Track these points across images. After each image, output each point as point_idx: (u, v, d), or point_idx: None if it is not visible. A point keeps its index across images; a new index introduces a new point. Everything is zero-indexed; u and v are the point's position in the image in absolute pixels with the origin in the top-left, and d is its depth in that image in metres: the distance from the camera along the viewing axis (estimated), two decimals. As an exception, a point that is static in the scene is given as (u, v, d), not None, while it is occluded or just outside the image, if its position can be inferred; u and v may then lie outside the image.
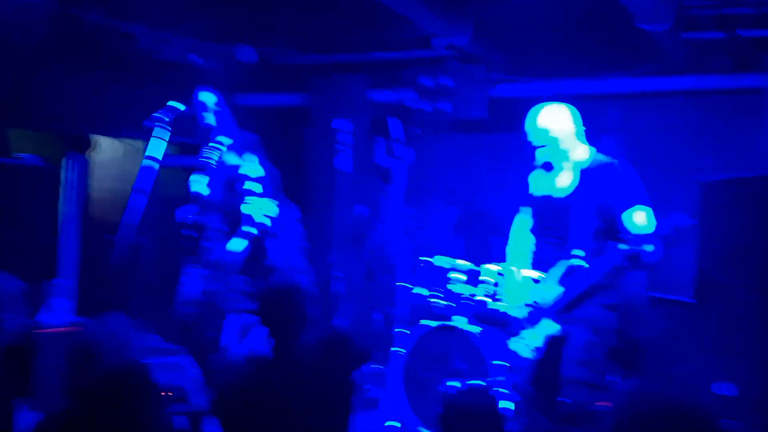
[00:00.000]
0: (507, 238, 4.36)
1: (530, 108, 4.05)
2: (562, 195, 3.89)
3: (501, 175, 6.49)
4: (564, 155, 3.88)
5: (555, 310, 3.85)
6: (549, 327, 3.86)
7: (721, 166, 5.54)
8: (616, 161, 3.89)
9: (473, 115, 6.71)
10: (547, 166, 3.91)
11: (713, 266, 4.10)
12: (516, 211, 4.26)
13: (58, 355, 4.53)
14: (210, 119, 5.10)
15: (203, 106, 5.10)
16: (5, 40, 5.99)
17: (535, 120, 3.91)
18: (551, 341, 3.82)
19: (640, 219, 3.66)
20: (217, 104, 5.12)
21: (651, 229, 3.60)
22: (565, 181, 3.90)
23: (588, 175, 3.86)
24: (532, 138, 3.91)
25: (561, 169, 3.90)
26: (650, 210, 3.75)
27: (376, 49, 7.13)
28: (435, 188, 7.07)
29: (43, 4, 6.09)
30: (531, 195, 4.08)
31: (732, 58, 6.10)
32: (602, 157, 3.90)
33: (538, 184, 4.02)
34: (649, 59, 6.30)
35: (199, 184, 5.00)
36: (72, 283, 6.67)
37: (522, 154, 4.10)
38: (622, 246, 3.58)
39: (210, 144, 5.08)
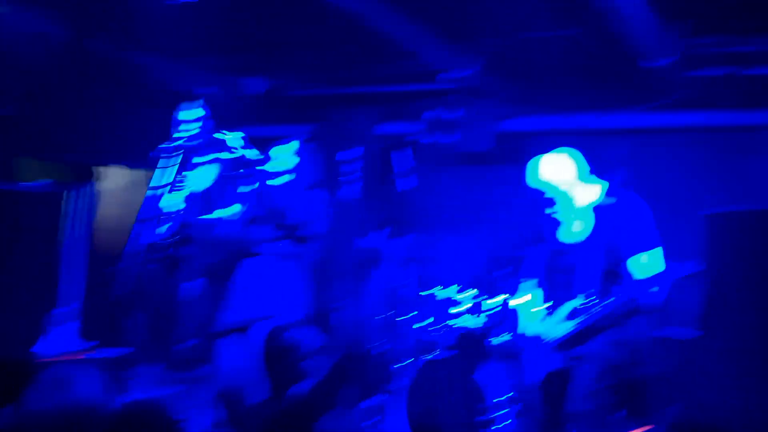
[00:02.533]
0: (514, 270, 4.37)
1: (536, 142, 4.08)
2: (573, 241, 3.91)
3: (507, 208, 6.49)
4: (570, 201, 3.90)
5: (555, 346, 3.86)
6: (550, 362, 3.86)
7: (728, 201, 5.54)
8: (626, 199, 3.89)
9: (480, 148, 6.73)
10: (557, 215, 3.94)
11: (719, 300, 4.08)
12: (526, 244, 4.27)
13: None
14: (191, 141, 5.07)
15: (185, 122, 5.07)
16: (15, 70, 6.06)
17: (536, 172, 3.93)
18: (553, 375, 3.82)
19: (646, 262, 3.69)
20: (200, 119, 5.09)
21: (658, 270, 3.61)
22: (576, 227, 3.91)
23: (597, 216, 3.87)
24: (537, 189, 3.93)
25: (570, 216, 3.91)
26: (660, 250, 3.74)
27: (384, 82, 7.19)
28: (440, 219, 7.07)
29: (53, 34, 6.17)
30: (545, 237, 4.09)
31: (737, 95, 6.13)
32: (612, 197, 3.92)
33: (552, 229, 4.03)
34: (656, 95, 6.34)
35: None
36: (74, 312, 6.67)
37: (527, 188, 4.12)
38: (626, 289, 3.60)
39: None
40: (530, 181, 3.95)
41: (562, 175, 3.90)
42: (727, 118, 6.19)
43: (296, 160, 4.71)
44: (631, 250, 3.74)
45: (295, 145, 4.74)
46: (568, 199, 3.89)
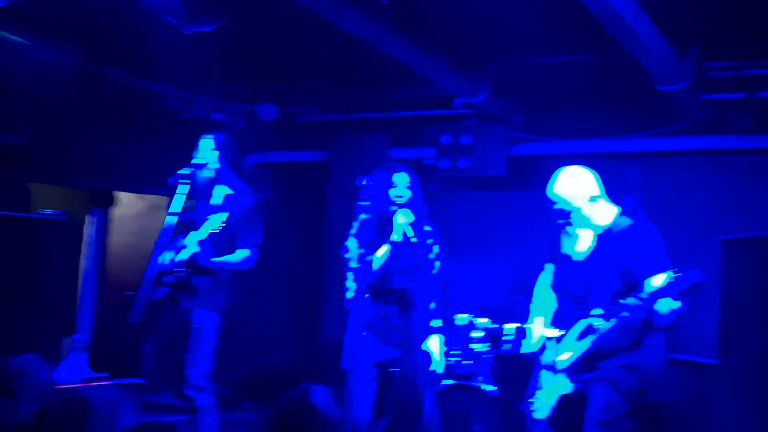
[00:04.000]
0: (528, 295, 4.34)
1: (549, 166, 4.07)
2: (581, 258, 3.89)
3: (519, 233, 6.47)
4: (583, 218, 3.89)
5: (569, 369, 3.82)
6: (563, 385, 3.82)
7: (742, 225, 5.50)
8: (639, 224, 3.88)
9: (492, 173, 6.73)
10: (568, 230, 3.92)
11: (736, 326, 4.02)
12: (539, 269, 4.25)
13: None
14: (209, 170, 5.04)
15: (203, 154, 5.04)
16: (33, 97, 6.12)
17: (554, 185, 3.93)
18: (567, 399, 3.77)
19: (658, 282, 3.64)
20: (218, 149, 5.05)
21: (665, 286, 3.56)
22: (583, 244, 3.90)
23: (611, 237, 3.85)
24: (552, 202, 3.93)
25: (580, 232, 3.90)
26: (671, 273, 3.71)
27: (397, 108, 7.21)
28: (453, 245, 7.04)
29: (72, 62, 6.24)
30: (556, 254, 4.07)
31: (751, 118, 6.11)
32: (626, 220, 3.90)
33: (563, 245, 4.02)
34: (669, 119, 6.32)
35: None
36: (88, 338, 6.68)
37: (540, 212, 4.11)
38: (634, 302, 3.54)
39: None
40: (548, 193, 3.94)
41: (579, 188, 3.89)
42: (741, 142, 6.16)
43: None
44: (642, 273, 3.70)
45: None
46: (581, 213, 3.87)
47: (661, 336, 3.85)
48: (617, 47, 5.19)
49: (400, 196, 4.48)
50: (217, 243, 4.86)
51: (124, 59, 6.47)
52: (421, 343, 4.44)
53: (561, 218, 3.90)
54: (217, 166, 4.99)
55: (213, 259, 4.85)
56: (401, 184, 4.52)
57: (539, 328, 4.07)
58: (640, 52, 5.19)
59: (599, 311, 3.73)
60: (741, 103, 6.04)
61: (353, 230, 4.59)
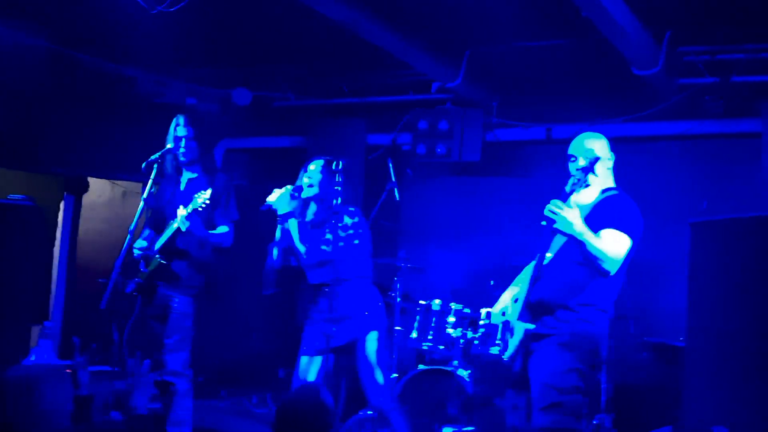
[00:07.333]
0: (502, 280, 4.32)
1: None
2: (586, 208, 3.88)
3: (495, 219, 6.46)
4: (594, 177, 3.89)
5: (522, 313, 3.83)
6: (521, 329, 3.80)
7: (715, 210, 5.51)
8: (618, 195, 3.90)
9: (468, 158, 6.71)
10: (580, 183, 3.91)
11: (704, 308, 4.02)
12: (516, 253, 4.23)
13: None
14: (180, 150, 5.01)
15: (174, 137, 5.01)
16: (1, 82, 6.03)
17: (583, 141, 3.97)
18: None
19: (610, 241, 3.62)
20: (187, 136, 5.02)
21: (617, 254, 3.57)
22: (589, 196, 3.89)
23: (596, 206, 3.88)
24: (576, 154, 3.94)
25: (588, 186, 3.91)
26: (625, 236, 3.68)
27: (374, 93, 7.18)
28: (429, 230, 7.03)
29: (42, 46, 6.15)
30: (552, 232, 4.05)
31: (726, 103, 6.12)
32: (612, 192, 3.93)
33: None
34: (645, 104, 6.32)
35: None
36: (59, 326, 6.63)
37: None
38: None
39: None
40: (574, 147, 3.96)
41: (598, 148, 3.91)
42: (715, 127, 6.18)
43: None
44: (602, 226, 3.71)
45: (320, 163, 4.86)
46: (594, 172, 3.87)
47: (604, 317, 3.83)
48: (593, 32, 5.17)
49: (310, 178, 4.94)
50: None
51: (96, 43, 6.38)
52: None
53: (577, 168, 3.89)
54: (184, 150, 4.98)
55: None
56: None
57: (506, 297, 4.06)
58: (616, 36, 5.17)
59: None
60: (715, 88, 6.04)
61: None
